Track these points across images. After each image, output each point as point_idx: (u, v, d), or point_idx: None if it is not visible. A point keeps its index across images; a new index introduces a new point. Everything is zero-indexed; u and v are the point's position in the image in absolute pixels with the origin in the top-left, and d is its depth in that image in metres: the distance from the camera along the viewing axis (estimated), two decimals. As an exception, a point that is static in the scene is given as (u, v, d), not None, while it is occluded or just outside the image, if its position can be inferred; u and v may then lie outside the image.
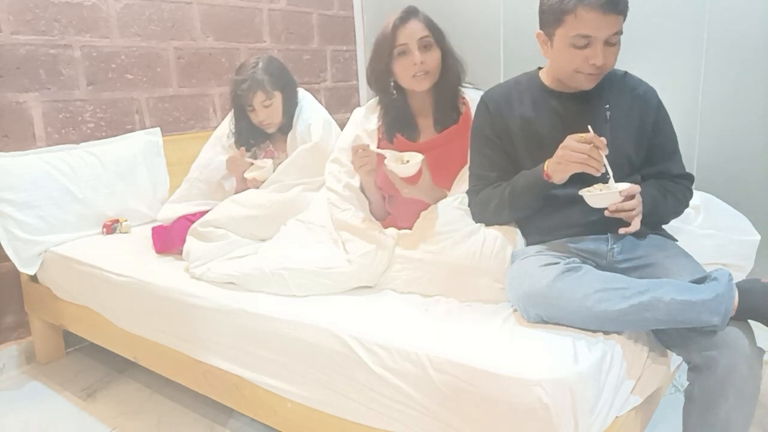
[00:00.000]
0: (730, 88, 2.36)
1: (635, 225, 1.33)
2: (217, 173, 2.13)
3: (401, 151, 1.60)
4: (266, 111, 2.01)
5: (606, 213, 1.32)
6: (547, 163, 1.38)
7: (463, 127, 1.71)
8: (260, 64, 2.00)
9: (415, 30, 1.63)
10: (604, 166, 1.29)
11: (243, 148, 2.06)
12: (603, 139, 1.28)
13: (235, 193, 2.12)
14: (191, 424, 1.83)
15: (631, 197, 1.31)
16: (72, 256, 2.03)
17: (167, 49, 2.65)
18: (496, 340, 1.22)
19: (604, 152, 1.28)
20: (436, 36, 1.66)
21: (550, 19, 1.39)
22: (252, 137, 2.11)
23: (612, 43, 1.35)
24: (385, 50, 1.65)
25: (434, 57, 1.65)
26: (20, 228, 2.07)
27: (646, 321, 1.21)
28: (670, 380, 1.57)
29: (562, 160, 1.32)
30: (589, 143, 1.28)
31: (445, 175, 1.70)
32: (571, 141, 1.31)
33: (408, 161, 1.55)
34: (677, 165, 1.52)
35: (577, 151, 1.29)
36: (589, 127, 1.32)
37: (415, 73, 1.63)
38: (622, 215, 1.32)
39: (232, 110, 2.12)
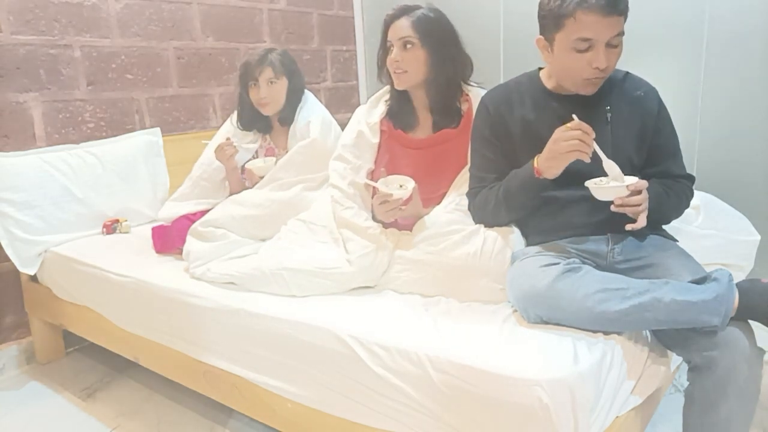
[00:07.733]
0: (730, 88, 2.36)
1: (641, 221, 1.31)
2: (220, 172, 2.14)
3: (399, 144, 1.63)
4: (268, 89, 2.05)
5: (612, 207, 1.31)
6: (536, 159, 1.38)
7: (462, 126, 1.71)
8: (276, 50, 2.09)
9: (399, 28, 1.66)
10: (594, 151, 1.30)
11: (229, 138, 2.08)
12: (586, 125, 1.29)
13: (227, 181, 2.14)
14: (191, 424, 1.83)
15: (638, 192, 1.29)
16: (72, 256, 2.03)
17: (167, 49, 2.64)
18: (496, 340, 1.22)
19: (592, 136, 1.29)
20: (423, 37, 1.65)
21: (549, 24, 1.37)
22: (253, 118, 2.14)
23: (614, 45, 1.34)
24: (381, 44, 1.73)
25: (413, 57, 1.65)
26: (20, 228, 2.07)
27: (646, 321, 1.21)
28: (670, 380, 1.57)
29: (555, 153, 1.32)
30: (577, 129, 1.29)
31: (441, 175, 1.70)
32: (560, 132, 1.31)
33: (401, 186, 1.57)
34: (678, 165, 1.51)
35: (568, 140, 1.29)
36: (574, 116, 1.31)
37: (393, 70, 1.68)
38: (627, 210, 1.31)
39: (239, 90, 2.15)
